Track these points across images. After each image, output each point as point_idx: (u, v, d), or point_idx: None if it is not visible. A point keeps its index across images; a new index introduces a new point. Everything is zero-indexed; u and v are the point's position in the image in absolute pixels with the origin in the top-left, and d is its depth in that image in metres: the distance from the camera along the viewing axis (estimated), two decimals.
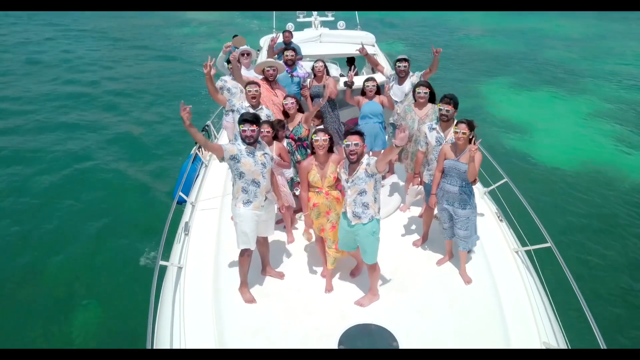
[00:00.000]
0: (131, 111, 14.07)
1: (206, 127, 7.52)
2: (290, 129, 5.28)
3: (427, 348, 3.83)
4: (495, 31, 28.02)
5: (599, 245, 7.94)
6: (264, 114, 5.10)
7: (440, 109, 4.66)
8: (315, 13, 10.85)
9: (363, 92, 5.95)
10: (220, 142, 7.12)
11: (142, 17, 31.79)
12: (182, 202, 5.93)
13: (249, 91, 5.11)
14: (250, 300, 4.32)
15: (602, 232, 8.31)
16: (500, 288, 4.44)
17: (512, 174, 5.83)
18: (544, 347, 3.83)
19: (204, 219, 5.47)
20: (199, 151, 6.79)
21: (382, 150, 5.97)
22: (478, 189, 6.00)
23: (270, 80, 5.71)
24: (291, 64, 6.24)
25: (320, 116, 5.54)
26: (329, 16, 10.98)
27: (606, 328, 5.73)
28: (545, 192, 9.49)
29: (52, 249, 7.57)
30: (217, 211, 5.61)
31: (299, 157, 5.31)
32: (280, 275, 4.68)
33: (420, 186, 5.17)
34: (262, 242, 4.58)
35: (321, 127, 5.24)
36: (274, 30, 10.96)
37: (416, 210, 5.73)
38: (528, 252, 4.92)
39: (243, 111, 4.83)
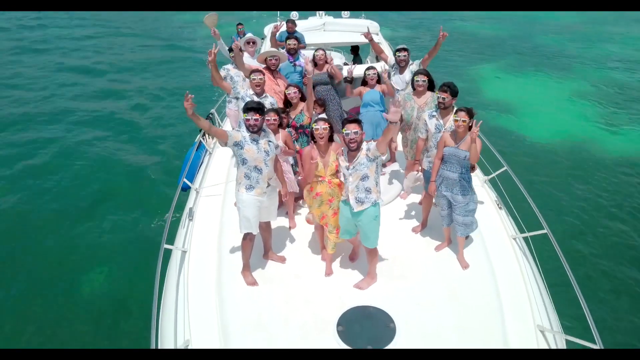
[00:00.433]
0: (136, 100, 14.20)
1: (210, 115, 7.62)
2: (293, 116, 5.36)
3: (423, 330, 3.95)
4: (488, 16, 28.20)
5: (594, 229, 8.11)
6: (268, 102, 5.18)
7: (438, 97, 4.74)
8: None
9: (364, 82, 6.02)
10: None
11: None
12: (186, 189, 6.06)
13: (254, 79, 5.18)
14: (252, 283, 4.45)
15: (598, 216, 8.47)
16: (497, 273, 4.53)
17: (510, 159, 5.94)
18: (538, 330, 3.93)
19: (208, 205, 5.59)
20: (203, 139, 6.89)
21: None
22: (478, 177, 6.08)
23: (273, 70, 5.78)
24: (293, 53, 6.30)
25: (322, 104, 5.61)
26: None
27: (598, 311, 5.94)
28: (543, 176, 9.68)
29: (60, 229, 7.86)
30: (220, 197, 5.72)
31: (298, 145, 5.40)
32: (282, 260, 4.80)
33: (420, 173, 5.25)
34: (264, 227, 4.69)
35: (323, 115, 5.33)
36: (278, 18, 10.98)
37: (416, 198, 5.82)
38: (526, 239, 5.01)
39: (247, 99, 4.91)
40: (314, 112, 5.41)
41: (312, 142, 4.38)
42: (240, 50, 5.80)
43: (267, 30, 9.80)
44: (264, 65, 5.79)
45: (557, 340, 3.84)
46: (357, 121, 4.00)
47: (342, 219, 4.34)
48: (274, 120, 4.70)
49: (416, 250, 4.98)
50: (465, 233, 4.67)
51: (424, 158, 5.11)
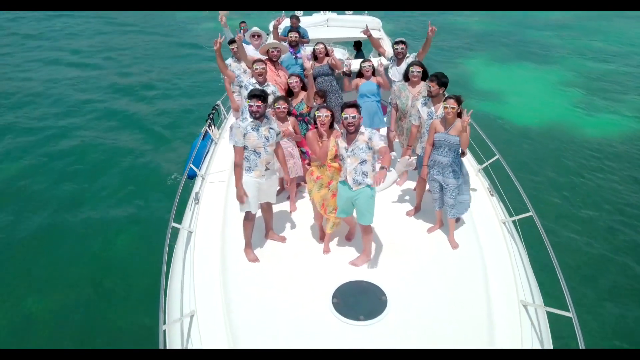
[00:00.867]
0: (144, 94, 14.52)
1: (216, 107, 7.92)
2: (294, 105, 5.65)
3: (413, 303, 4.21)
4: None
5: (578, 211, 8.55)
6: (269, 90, 5.49)
7: (427, 86, 5.03)
8: None
9: (360, 74, 6.29)
10: (229, 121, 7.54)
11: None
12: (192, 177, 6.36)
13: (256, 69, 5.49)
14: (254, 259, 4.74)
15: (583, 199, 8.93)
16: (485, 253, 4.78)
17: (500, 147, 6.24)
18: (521, 305, 4.17)
19: (213, 190, 5.88)
20: (209, 129, 7.19)
21: (379, 129, 6.38)
22: (473, 165, 6.34)
23: (274, 61, 6.08)
24: (294, 45, 6.58)
25: (322, 95, 5.88)
26: None
27: (577, 290, 6.27)
28: (532, 160, 10.33)
29: (79, 206, 8.45)
30: (225, 183, 6.01)
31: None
32: (282, 239, 5.09)
33: (412, 158, 5.52)
34: (265, 208, 4.98)
35: (324, 105, 5.61)
36: (283, 14, 11.24)
37: (411, 184, 6.09)
38: (515, 223, 5.25)
39: (251, 87, 5.23)
40: (314, 103, 5.69)
41: (314, 127, 4.67)
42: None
43: (272, 26, 10.07)
44: (266, 57, 6.08)
45: (538, 313, 4.09)
46: (356, 106, 4.33)
47: (340, 199, 4.63)
48: (284, 108, 5.04)
49: (409, 231, 5.25)
50: (454, 215, 4.93)
51: (417, 144, 5.38)
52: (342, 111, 4.34)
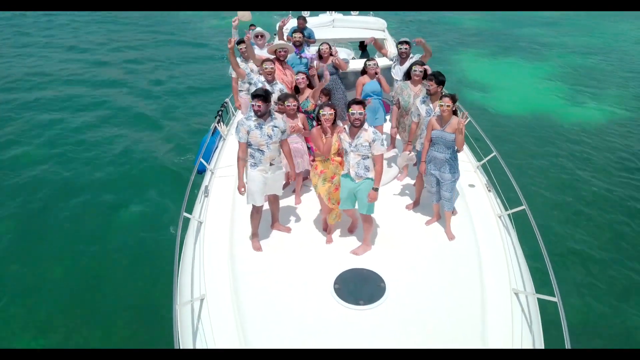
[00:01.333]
0: (154, 93, 14.85)
1: (224, 104, 8.22)
2: (300, 102, 5.93)
3: (410, 289, 4.46)
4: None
5: (570, 204, 8.83)
6: (277, 88, 5.79)
7: (425, 85, 5.30)
8: None
9: (364, 71, 6.54)
10: (237, 118, 7.83)
11: None
12: (202, 171, 6.66)
13: (265, 68, 5.80)
14: (258, 248, 5.02)
15: (574, 194, 9.20)
16: (480, 244, 5.02)
17: (496, 142, 6.51)
18: (513, 292, 4.41)
19: (222, 183, 6.16)
20: (217, 125, 7.48)
21: (382, 126, 6.69)
22: (471, 162, 6.58)
23: (282, 61, 6.36)
24: (299, 45, 6.86)
25: (327, 93, 6.15)
26: None
27: (564, 281, 6.38)
28: (526, 153, 10.77)
29: (99, 196, 8.91)
30: (233, 178, 6.27)
31: None
32: (288, 230, 5.37)
33: (411, 153, 5.76)
34: (272, 200, 5.27)
35: (328, 103, 5.88)
36: (289, 15, 11.50)
37: (410, 180, 6.34)
38: (510, 217, 5.48)
39: (259, 84, 5.54)
40: (319, 101, 5.95)
41: (317, 124, 4.95)
42: None
43: (278, 26, 10.34)
44: (274, 57, 6.36)
45: (529, 300, 4.33)
46: (361, 102, 4.63)
47: (343, 191, 4.90)
48: (294, 105, 5.34)
49: (408, 224, 5.51)
50: (450, 208, 5.18)
51: (417, 140, 5.64)
52: (348, 107, 4.61)
